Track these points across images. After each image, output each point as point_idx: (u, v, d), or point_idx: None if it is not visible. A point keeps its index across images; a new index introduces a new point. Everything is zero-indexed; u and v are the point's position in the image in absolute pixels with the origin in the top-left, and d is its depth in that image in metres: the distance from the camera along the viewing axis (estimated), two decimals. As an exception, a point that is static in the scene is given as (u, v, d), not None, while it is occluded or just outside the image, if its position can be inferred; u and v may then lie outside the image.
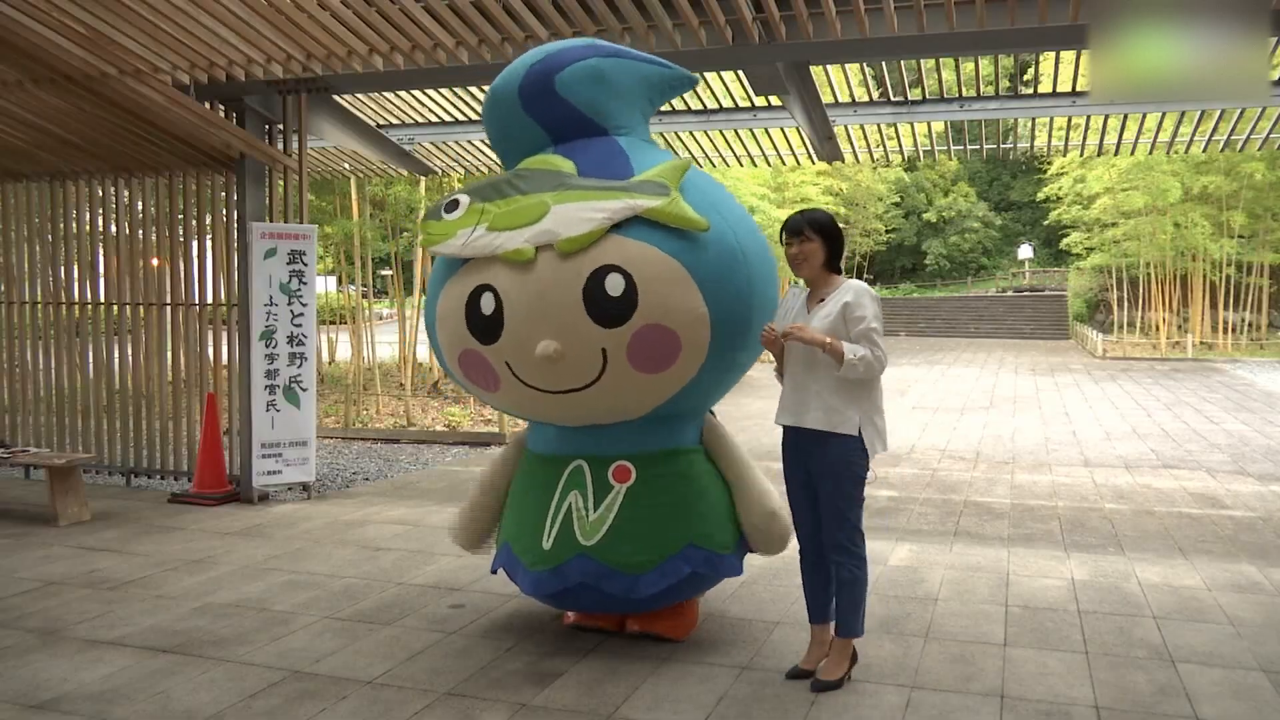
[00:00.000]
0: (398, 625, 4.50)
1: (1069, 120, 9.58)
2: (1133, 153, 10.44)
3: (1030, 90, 12.22)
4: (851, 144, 10.29)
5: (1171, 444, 10.90)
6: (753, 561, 4.64)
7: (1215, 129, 9.98)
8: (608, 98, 3.99)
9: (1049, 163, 31.72)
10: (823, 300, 3.70)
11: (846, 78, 9.15)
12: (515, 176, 3.88)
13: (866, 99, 9.90)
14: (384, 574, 5.37)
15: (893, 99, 8.87)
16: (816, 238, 3.68)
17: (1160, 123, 9.57)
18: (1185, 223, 27.34)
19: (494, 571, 4.41)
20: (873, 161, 11.66)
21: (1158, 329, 29.54)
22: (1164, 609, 4.74)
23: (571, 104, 3.94)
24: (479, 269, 3.78)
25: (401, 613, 4.68)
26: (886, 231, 47.02)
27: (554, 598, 4.12)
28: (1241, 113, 9.03)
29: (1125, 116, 9.04)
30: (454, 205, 3.91)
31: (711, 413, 4.33)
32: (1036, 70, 18.08)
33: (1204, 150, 10.63)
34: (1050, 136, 10.29)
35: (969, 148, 10.32)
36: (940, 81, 8.60)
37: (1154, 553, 5.89)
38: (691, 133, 9.70)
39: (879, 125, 9.82)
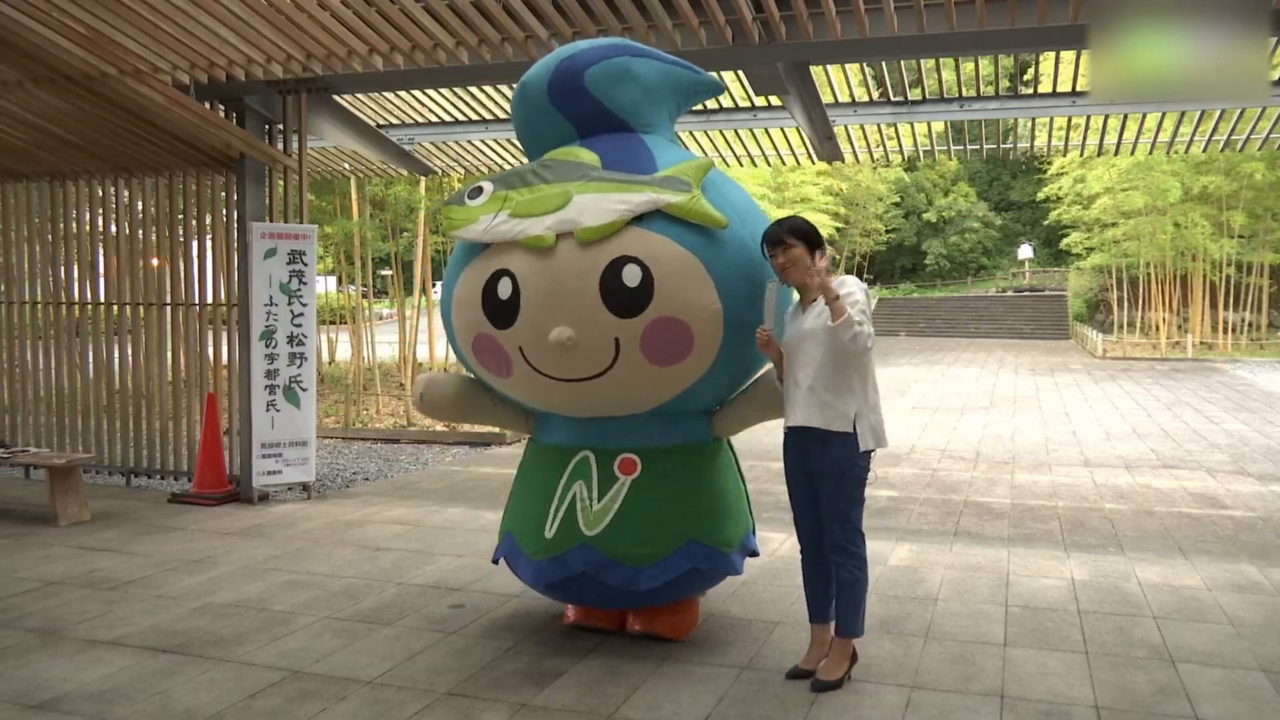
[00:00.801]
0: (398, 625, 4.50)
1: (1069, 120, 9.57)
2: (1133, 153, 10.43)
3: (1030, 90, 12.21)
4: (851, 144, 10.29)
5: (1171, 444, 10.90)
6: (753, 561, 4.64)
7: (1215, 129, 9.97)
8: (635, 96, 4.01)
9: (1049, 163, 31.73)
10: (815, 300, 3.73)
11: (846, 78, 9.14)
12: (540, 166, 3.91)
13: (866, 99, 9.88)
14: (384, 574, 5.37)
15: (893, 99, 8.87)
16: (798, 243, 3.70)
17: (1160, 123, 9.56)
18: (1185, 223, 27.37)
19: (495, 562, 4.43)
20: (873, 161, 11.65)
21: (1158, 329, 29.55)
22: (1164, 609, 4.74)
23: (599, 100, 3.96)
24: (498, 254, 3.80)
25: (401, 613, 4.68)
26: (886, 231, 47.07)
27: (555, 587, 4.13)
28: (1241, 113, 9.03)
29: (1125, 116, 9.03)
30: (478, 192, 3.93)
31: None
32: (1036, 70, 18.09)
33: (1204, 150, 10.63)
34: (1050, 136, 10.29)
35: (969, 148, 10.32)
36: (940, 81, 8.60)
37: (1154, 553, 5.89)
38: (691, 133, 9.69)
39: (879, 125, 9.82)
